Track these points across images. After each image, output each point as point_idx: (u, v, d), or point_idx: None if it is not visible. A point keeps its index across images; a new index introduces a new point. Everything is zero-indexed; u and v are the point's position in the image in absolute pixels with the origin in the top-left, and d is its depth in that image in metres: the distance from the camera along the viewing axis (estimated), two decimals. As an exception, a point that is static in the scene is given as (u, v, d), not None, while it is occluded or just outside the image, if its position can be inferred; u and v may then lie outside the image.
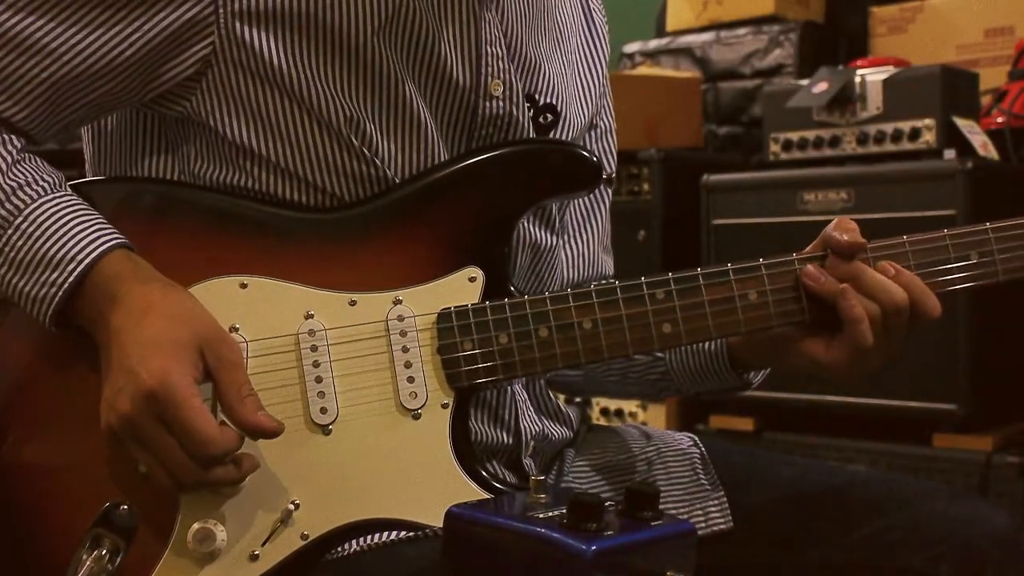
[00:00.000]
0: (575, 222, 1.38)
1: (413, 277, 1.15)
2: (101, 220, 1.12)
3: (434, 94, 1.20)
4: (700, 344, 1.29)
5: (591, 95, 1.37)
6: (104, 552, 1.08)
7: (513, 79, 1.23)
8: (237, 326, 1.12)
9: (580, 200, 1.38)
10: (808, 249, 1.21)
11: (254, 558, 1.10)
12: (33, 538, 1.13)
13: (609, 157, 1.43)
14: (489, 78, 1.21)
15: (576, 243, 1.38)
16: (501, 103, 1.22)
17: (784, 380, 2.69)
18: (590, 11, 1.41)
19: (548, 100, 1.27)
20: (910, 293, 1.16)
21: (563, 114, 1.29)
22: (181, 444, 1.03)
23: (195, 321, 1.08)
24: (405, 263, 1.15)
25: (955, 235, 1.23)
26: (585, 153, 1.21)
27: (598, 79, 1.39)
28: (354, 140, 1.16)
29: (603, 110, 1.42)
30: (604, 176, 1.22)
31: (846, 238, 1.18)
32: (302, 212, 1.17)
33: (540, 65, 1.28)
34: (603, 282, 1.18)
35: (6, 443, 1.14)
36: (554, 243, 1.31)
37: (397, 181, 1.18)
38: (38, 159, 1.16)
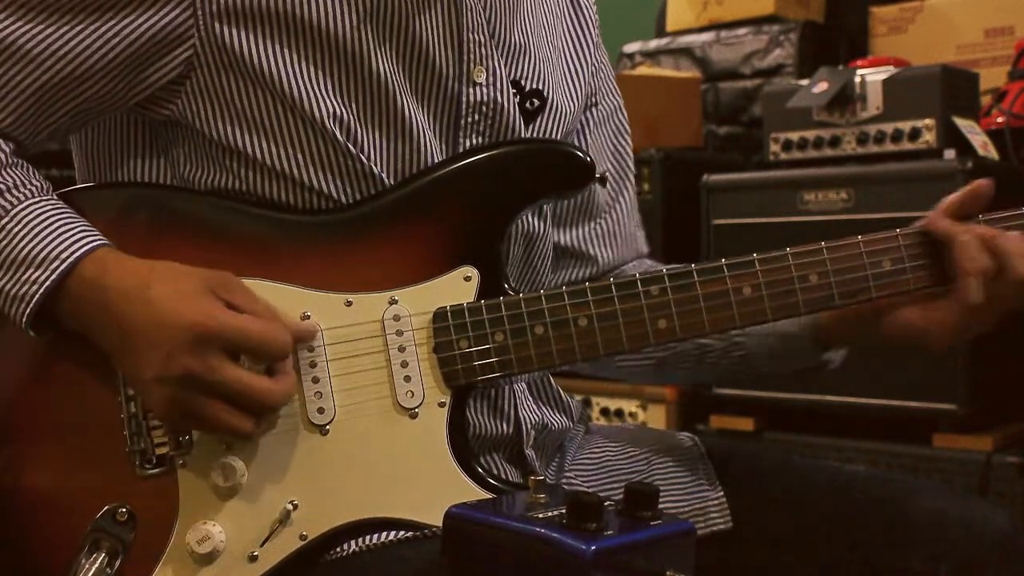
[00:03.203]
0: (606, 199, 1.40)
1: (408, 277, 1.15)
2: (86, 224, 1.12)
3: (418, 84, 1.20)
4: (784, 325, 1.30)
5: (582, 78, 1.37)
6: (103, 555, 1.08)
7: (497, 65, 1.23)
8: None
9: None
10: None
11: (253, 559, 1.10)
12: (32, 542, 1.13)
13: (624, 137, 1.44)
14: (471, 65, 1.22)
15: (609, 222, 1.40)
16: (485, 89, 1.22)
17: (784, 380, 2.69)
18: None
19: (534, 86, 1.27)
20: None
21: (551, 100, 1.29)
22: (259, 355, 1.06)
23: (193, 273, 1.09)
24: (400, 263, 1.16)
25: None
26: (578, 152, 1.21)
27: (588, 61, 1.39)
28: (339, 135, 1.16)
29: (602, 90, 1.43)
30: (597, 175, 1.22)
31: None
32: (297, 214, 1.17)
33: (526, 51, 1.28)
34: (598, 280, 1.18)
35: (4, 448, 1.14)
36: (544, 230, 1.31)
37: (382, 175, 1.18)
38: (28, 166, 1.16)
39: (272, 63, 1.14)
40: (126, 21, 1.13)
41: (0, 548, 1.14)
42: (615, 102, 1.45)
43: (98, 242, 1.10)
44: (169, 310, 1.05)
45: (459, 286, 1.16)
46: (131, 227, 1.16)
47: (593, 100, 1.41)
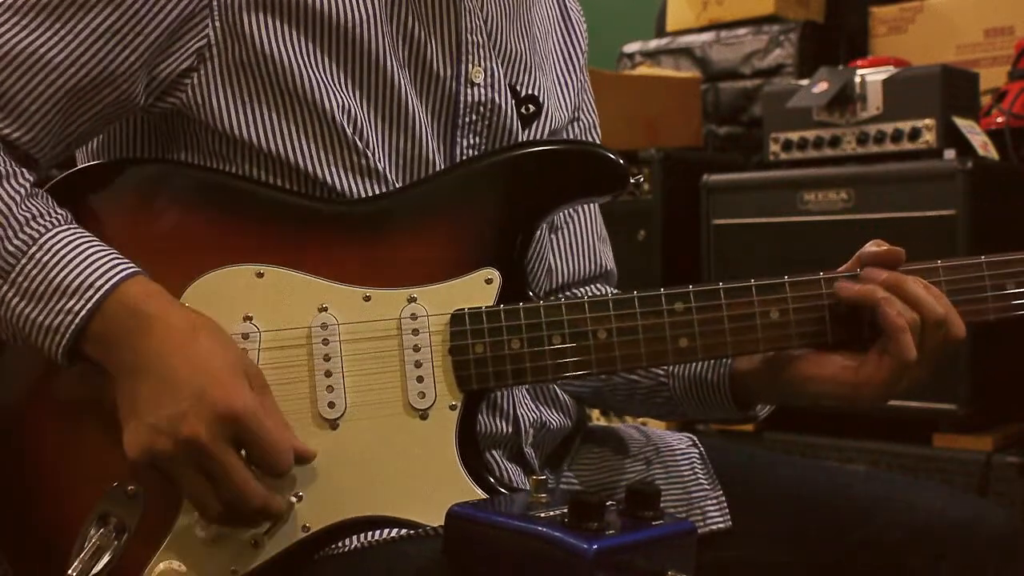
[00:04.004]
0: (564, 216, 1.38)
1: (429, 275, 1.14)
2: (115, 252, 1.09)
3: (417, 81, 1.20)
4: (703, 376, 1.28)
5: (570, 91, 1.38)
6: (110, 530, 1.09)
7: (495, 67, 1.24)
8: (251, 315, 1.12)
9: None
10: (841, 269, 1.19)
11: (256, 545, 1.10)
12: (42, 514, 1.13)
13: None
14: (470, 65, 1.22)
15: (566, 233, 1.38)
16: (483, 90, 1.23)
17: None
18: (567, 9, 1.42)
19: (530, 92, 1.28)
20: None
21: (544, 106, 1.29)
22: (262, 458, 1.04)
23: (233, 345, 1.08)
24: (422, 261, 1.14)
25: (993, 263, 1.19)
26: (612, 156, 1.18)
27: (576, 75, 1.40)
28: (347, 129, 1.16)
29: (584, 104, 1.43)
30: (633, 181, 1.20)
31: (884, 247, 1.17)
32: (320, 203, 1.16)
33: (521, 56, 1.28)
34: (618, 292, 1.17)
35: (21, 425, 1.14)
36: (540, 233, 1.30)
37: (386, 172, 1.18)
38: (48, 196, 1.14)
39: (284, 53, 1.14)
40: (147, 20, 1.12)
41: (10, 519, 1.14)
42: (592, 119, 1.45)
43: (132, 269, 1.08)
44: (211, 370, 1.03)
45: (480, 288, 1.14)
46: (154, 204, 1.16)
47: (576, 115, 1.41)
